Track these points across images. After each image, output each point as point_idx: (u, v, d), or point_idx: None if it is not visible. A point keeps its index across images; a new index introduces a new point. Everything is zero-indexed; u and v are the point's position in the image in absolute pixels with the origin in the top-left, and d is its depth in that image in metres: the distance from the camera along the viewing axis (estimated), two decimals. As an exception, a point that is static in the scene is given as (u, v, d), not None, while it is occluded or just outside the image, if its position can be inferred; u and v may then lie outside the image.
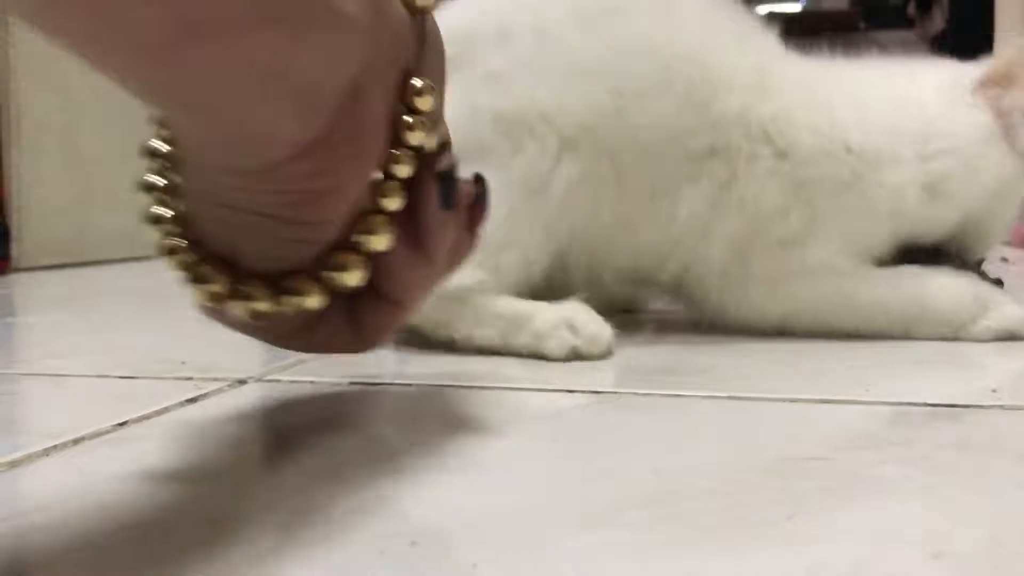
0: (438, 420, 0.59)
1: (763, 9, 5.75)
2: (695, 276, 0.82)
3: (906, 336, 0.82)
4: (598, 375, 0.70)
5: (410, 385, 0.66)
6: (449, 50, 0.78)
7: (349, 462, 0.47)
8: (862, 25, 4.51)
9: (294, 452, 0.50)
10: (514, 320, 0.74)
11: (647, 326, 0.89)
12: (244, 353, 0.84)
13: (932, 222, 0.83)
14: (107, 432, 0.54)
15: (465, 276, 0.75)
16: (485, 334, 0.74)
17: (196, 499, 0.42)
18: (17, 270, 1.76)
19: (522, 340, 0.73)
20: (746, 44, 0.82)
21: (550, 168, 0.74)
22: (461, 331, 0.75)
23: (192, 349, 0.88)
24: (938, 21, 3.61)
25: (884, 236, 0.82)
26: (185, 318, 1.02)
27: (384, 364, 0.75)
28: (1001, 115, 0.85)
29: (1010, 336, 0.80)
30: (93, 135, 1.94)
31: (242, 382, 0.67)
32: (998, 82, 0.85)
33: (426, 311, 0.76)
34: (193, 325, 0.98)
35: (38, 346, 0.91)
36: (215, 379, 0.68)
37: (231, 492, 0.44)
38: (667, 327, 0.89)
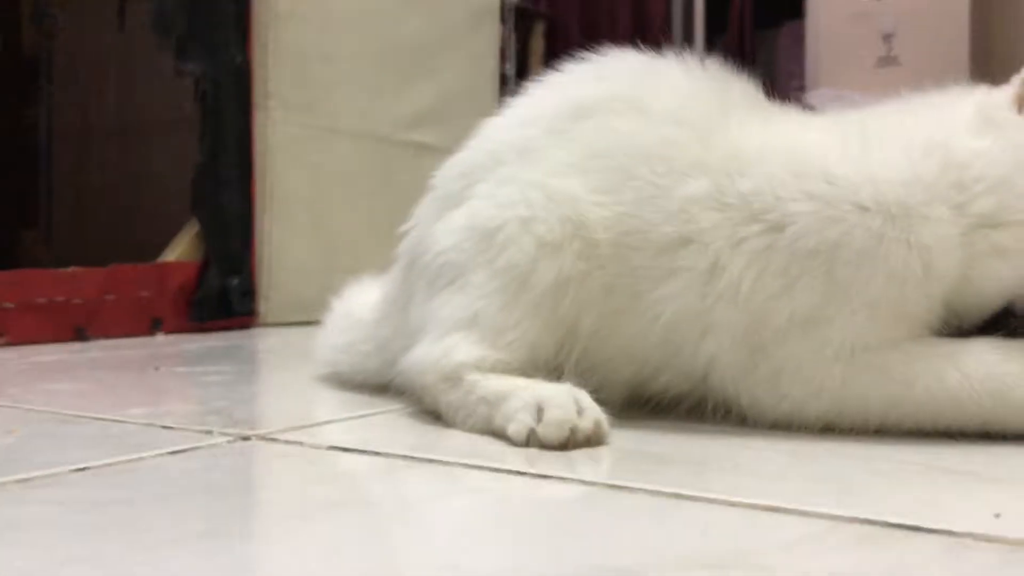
0: (386, 496, 0.59)
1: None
2: (718, 384, 0.74)
3: (984, 431, 0.68)
4: (580, 462, 0.65)
5: (378, 454, 0.67)
6: (458, 184, 0.82)
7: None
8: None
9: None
10: (495, 402, 0.72)
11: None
12: (317, 409, 0.90)
13: (988, 280, 0.69)
14: (63, 475, 0.60)
15: (465, 351, 0.75)
16: (471, 423, 0.73)
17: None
18: (264, 325, 1.98)
19: (497, 422, 0.71)
20: (718, 125, 0.77)
21: (529, 267, 0.75)
22: (455, 421, 0.75)
23: (273, 406, 0.95)
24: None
25: (926, 303, 0.70)
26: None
27: (372, 430, 0.76)
28: None
29: None
30: (338, 207, 2.14)
31: (245, 439, 0.71)
32: None
33: (427, 390, 0.77)
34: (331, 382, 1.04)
35: (160, 395, 1.02)
36: (226, 433, 0.72)
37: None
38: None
